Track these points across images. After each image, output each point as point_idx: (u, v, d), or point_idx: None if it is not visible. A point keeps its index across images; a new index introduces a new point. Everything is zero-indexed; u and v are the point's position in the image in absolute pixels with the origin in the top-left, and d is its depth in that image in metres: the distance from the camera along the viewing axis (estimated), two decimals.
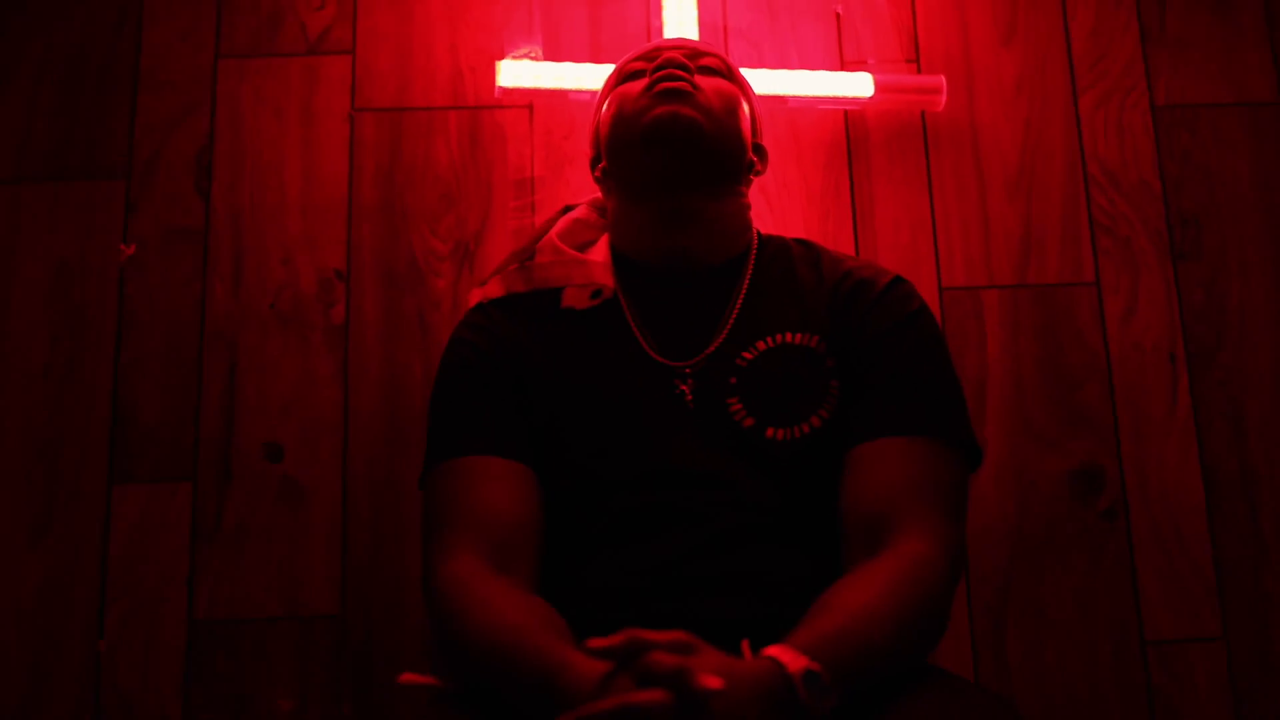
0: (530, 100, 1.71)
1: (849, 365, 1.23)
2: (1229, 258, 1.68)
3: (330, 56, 1.72)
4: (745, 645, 0.97)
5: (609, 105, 1.36)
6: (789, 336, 1.25)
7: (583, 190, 1.60)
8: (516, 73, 1.65)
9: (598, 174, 1.41)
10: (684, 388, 1.23)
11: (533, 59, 1.69)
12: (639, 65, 1.36)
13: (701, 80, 1.32)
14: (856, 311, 1.25)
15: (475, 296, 1.37)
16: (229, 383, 1.60)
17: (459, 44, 1.73)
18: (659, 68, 1.30)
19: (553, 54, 1.71)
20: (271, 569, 1.55)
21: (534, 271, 1.34)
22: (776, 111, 1.68)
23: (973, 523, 1.56)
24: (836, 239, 1.66)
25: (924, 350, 1.24)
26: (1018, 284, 1.66)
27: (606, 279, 1.30)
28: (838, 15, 1.75)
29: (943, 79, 1.68)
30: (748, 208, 1.38)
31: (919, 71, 1.73)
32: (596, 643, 0.91)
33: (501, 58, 1.69)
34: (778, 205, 1.68)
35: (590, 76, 1.64)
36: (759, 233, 1.38)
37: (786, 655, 0.93)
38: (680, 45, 1.38)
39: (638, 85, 1.32)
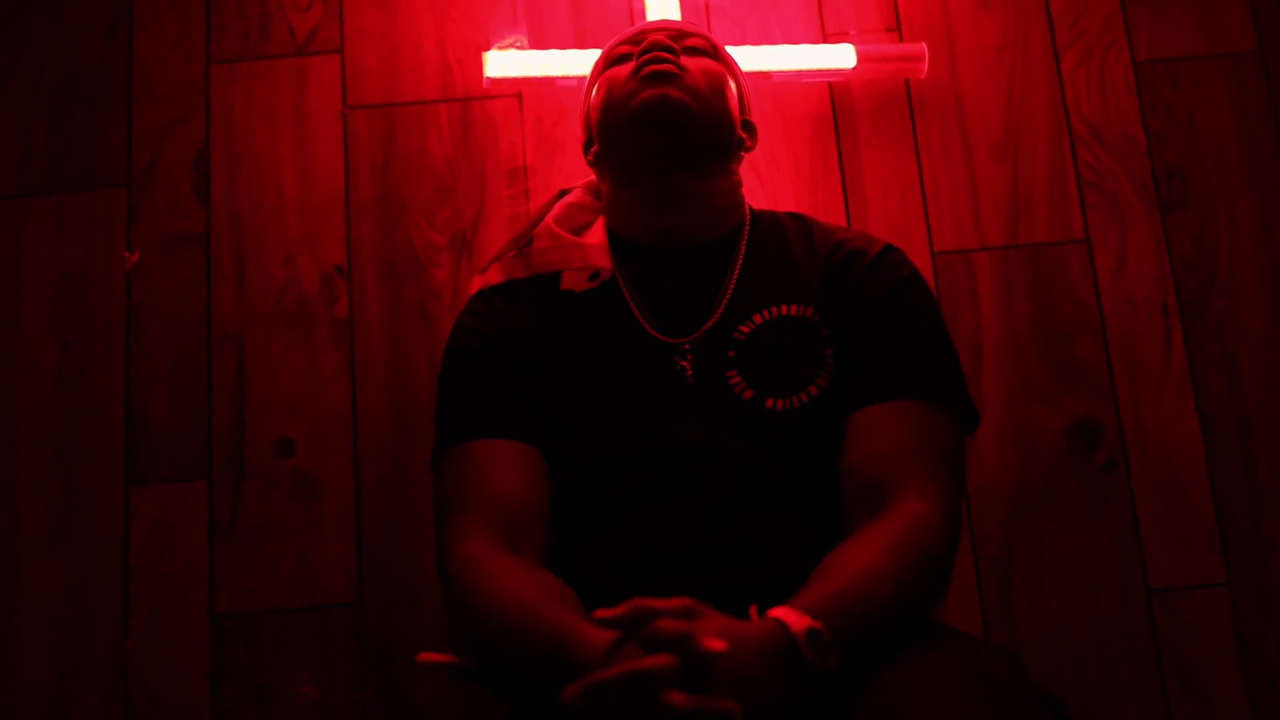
0: (519, 89, 1.72)
1: (843, 334, 1.25)
2: (1216, 208, 1.68)
3: (319, 57, 1.74)
4: (753, 610, 0.98)
5: (598, 90, 1.38)
6: (784, 308, 1.26)
7: (575, 175, 1.61)
8: (503, 63, 1.66)
9: (590, 158, 1.43)
10: (684, 364, 1.25)
11: (519, 48, 1.71)
12: (625, 49, 1.37)
13: (687, 61, 1.33)
14: (849, 281, 1.27)
15: (476, 284, 1.39)
16: (238, 382, 1.62)
17: (445, 37, 1.74)
18: (645, 50, 1.32)
19: (538, 42, 1.73)
20: (288, 561, 1.57)
21: (532, 257, 1.36)
22: (762, 87, 1.69)
23: (974, 481, 1.59)
24: (827, 210, 1.68)
25: (917, 315, 1.26)
26: (1008, 245, 1.68)
27: (603, 261, 1.32)
28: None
29: (924, 46, 1.69)
30: (739, 184, 1.39)
31: (900, 40, 1.74)
32: (603, 613, 0.93)
33: (488, 49, 1.70)
34: (768, 180, 1.70)
35: (576, 62, 1.65)
36: (751, 208, 1.39)
37: (790, 616, 0.95)
38: (665, 27, 1.40)
39: (625, 69, 1.34)
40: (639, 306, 1.29)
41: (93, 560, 1.57)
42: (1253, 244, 1.67)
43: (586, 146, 1.44)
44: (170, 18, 1.75)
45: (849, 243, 1.31)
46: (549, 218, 1.40)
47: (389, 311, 1.65)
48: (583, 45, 1.71)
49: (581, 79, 1.60)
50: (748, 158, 1.47)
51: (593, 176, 1.46)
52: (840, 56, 1.68)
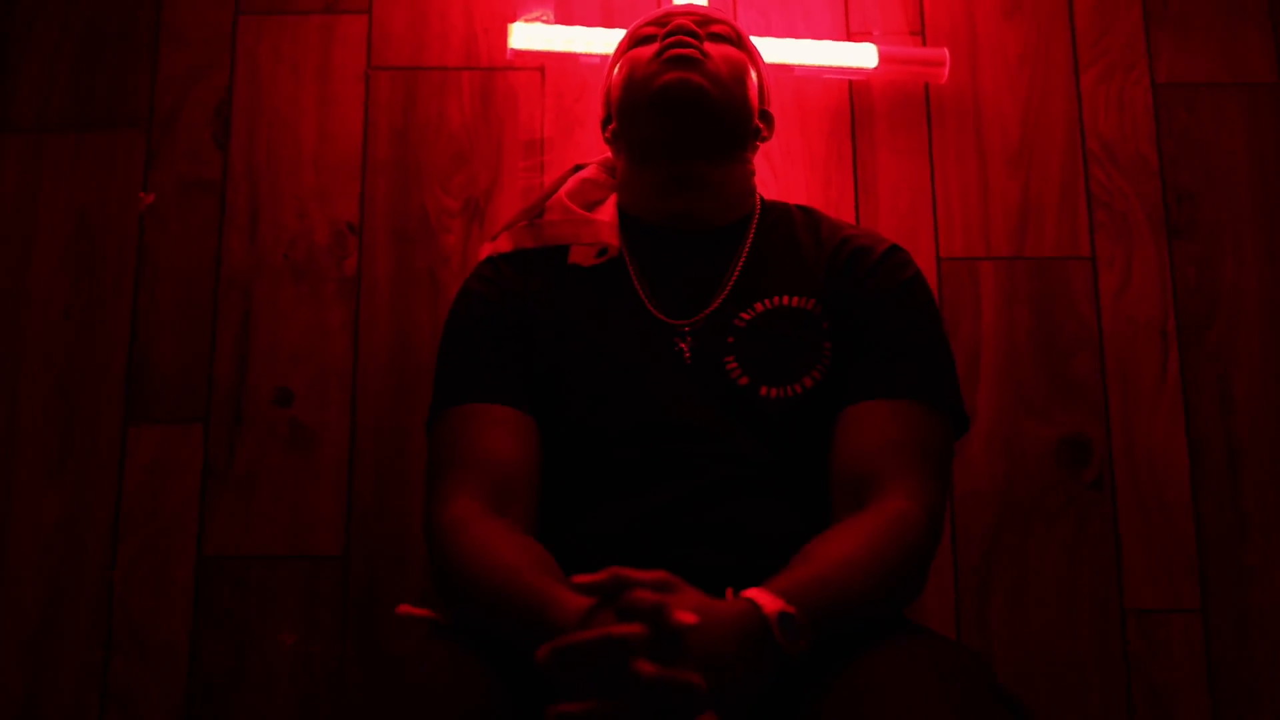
0: (542, 63, 1.73)
1: (843, 329, 1.26)
2: (1223, 236, 1.69)
3: (347, 15, 1.74)
4: (729, 592, 0.99)
5: (620, 69, 1.39)
6: (786, 299, 1.27)
7: (592, 152, 1.62)
8: (529, 35, 1.67)
9: (608, 135, 1.43)
10: (683, 345, 1.26)
11: (545, 22, 1.71)
12: (650, 30, 1.38)
13: (711, 47, 1.34)
14: (853, 277, 1.28)
15: (485, 250, 1.40)
16: (242, 329, 1.64)
17: (473, 6, 1.75)
18: (670, 34, 1.33)
19: (565, 17, 1.73)
20: (279, 509, 1.58)
21: (543, 229, 1.37)
22: (783, 80, 1.70)
23: (961, 487, 1.60)
24: (838, 206, 1.69)
25: (916, 316, 1.27)
26: (1014, 255, 1.68)
27: (612, 238, 1.33)
28: None
29: (946, 52, 1.70)
30: (752, 173, 1.40)
31: (923, 44, 1.75)
32: (582, 579, 0.95)
33: (514, 20, 1.70)
34: (782, 171, 1.71)
35: (601, 40, 1.66)
36: (762, 198, 1.40)
37: (763, 597, 0.96)
38: (691, 12, 1.41)
39: (649, 50, 1.35)
40: (643, 286, 1.31)
41: (87, 493, 1.58)
42: (1256, 274, 1.68)
43: (605, 124, 1.45)
44: None
45: (855, 239, 1.32)
46: (562, 191, 1.41)
47: (397, 272, 1.66)
48: (609, 24, 1.71)
49: (605, 58, 1.61)
50: (763, 148, 1.48)
51: (609, 154, 1.47)
52: (862, 56, 1.69)
